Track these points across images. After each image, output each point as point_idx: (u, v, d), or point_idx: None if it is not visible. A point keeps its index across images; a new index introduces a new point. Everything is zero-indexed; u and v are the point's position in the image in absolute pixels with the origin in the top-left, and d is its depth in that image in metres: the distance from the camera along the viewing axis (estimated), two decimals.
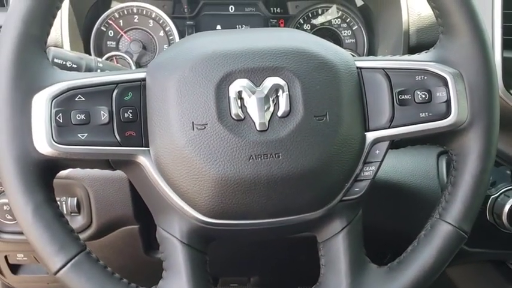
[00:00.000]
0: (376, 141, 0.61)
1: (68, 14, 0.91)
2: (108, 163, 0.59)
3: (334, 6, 1.07)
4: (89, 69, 0.72)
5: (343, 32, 1.08)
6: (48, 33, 0.59)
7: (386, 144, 0.62)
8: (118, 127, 0.57)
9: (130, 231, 0.92)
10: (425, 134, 0.62)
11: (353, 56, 0.64)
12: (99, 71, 0.73)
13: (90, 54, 0.99)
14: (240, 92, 0.56)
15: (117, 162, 0.59)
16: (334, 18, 1.08)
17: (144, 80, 0.59)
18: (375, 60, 0.64)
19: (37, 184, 0.56)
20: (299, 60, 0.58)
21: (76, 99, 0.57)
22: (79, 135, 0.56)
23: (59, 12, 0.60)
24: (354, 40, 1.09)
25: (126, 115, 0.57)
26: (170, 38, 1.04)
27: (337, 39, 1.08)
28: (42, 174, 0.56)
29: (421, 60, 0.64)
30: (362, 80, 0.62)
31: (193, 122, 0.56)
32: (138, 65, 1.02)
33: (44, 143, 0.55)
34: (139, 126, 0.58)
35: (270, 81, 0.57)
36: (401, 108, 0.61)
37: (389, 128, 0.61)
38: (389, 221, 0.91)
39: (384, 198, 0.86)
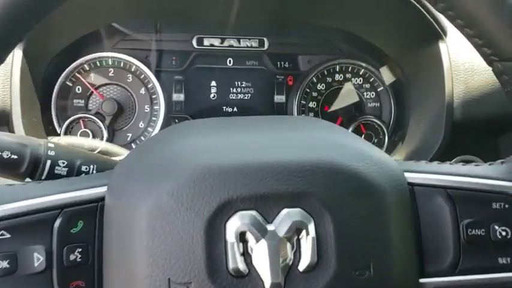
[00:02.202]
0: None
1: (20, 67, 0.71)
2: None
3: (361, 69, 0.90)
4: (35, 160, 0.53)
5: (365, 93, 0.93)
6: None
7: None
8: (59, 276, 0.43)
9: None
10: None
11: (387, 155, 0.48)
12: (48, 162, 0.53)
13: (50, 116, 0.80)
14: (243, 234, 0.41)
15: None
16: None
17: (102, 199, 0.44)
18: (432, 173, 0.49)
19: None
20: (330, 182, 0.43)
21: None
22: None
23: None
24: (378, 104, 0.94)
25: (72, 257, 0.43)
26: (153, 97, 0.89)
27: (358, 103, 0.91)
28: None
29: (499, 178, 0.49)
30: (415, 203, 0.47)
31: (169, 279, 0.41)
32: (112, 130, 0.86)
33: None
34: (91, 274, 0.44)
35: (287, 216, 0.42)
36: (471, 249, 0.48)
37: (453, 275, 0.47)
38: None
39: None
